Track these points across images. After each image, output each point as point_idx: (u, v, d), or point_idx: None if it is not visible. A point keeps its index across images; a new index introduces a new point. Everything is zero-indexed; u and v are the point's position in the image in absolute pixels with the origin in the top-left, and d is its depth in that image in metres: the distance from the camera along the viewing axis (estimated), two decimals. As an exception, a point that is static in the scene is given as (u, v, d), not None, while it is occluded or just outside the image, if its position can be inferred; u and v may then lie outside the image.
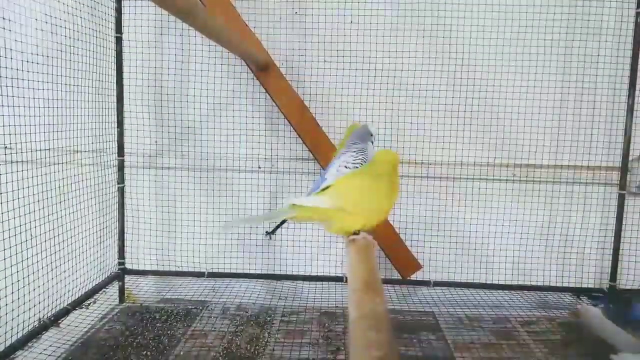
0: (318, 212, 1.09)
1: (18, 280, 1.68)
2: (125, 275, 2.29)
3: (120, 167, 2.23)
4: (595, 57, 2.23)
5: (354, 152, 1.36)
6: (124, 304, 2.23)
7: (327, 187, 1.15)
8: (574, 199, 2.32)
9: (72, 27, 1.91)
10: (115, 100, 2.19)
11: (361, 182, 1.11)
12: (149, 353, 1.76)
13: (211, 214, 2.36)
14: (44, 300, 1.79)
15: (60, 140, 1.91)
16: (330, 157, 1.58)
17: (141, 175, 2.35)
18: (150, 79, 2.30)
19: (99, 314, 2.06)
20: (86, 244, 2.10)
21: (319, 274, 2.36)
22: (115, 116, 2.20)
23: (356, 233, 1.13)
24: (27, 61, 1.71)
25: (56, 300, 1.85)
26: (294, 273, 2.37)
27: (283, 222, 1.25)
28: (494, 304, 2.27)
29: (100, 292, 2.10)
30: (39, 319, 1.72)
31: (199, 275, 2.32)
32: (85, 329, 1.92)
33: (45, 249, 1.84)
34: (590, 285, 2.32)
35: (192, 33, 2.23)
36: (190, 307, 2.18)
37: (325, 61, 2.26)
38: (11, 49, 1.61)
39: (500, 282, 2.34)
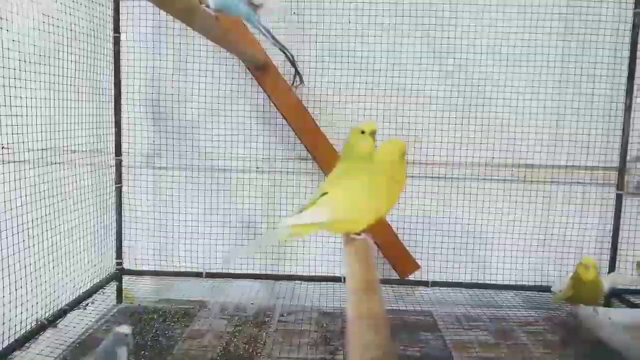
0: (316, 226, 1.07)
1: (15, 281, 1.68)
2: (123, 276, 2.28)
3: (118, 167, 2.23)
4: (592, 57, 2.23)
5: None
6: (122, 304, 2.23)
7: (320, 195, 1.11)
8: (572, 199, 2.32)
9: (69, 27, 1.90)
10: (112, 100, 2.18)
11: (358, 190, 1.08)
12: (147, 353, 1.76)
13: (209, 214, 2.36)
14: (41, 300, 1.79)
15: (57, 140, 1.90)
16: (329, 158, 1.58)
17: (139, 175, 2.34)
18: (148, 79, 2.29)
19: (97, 314, 2.05)
20: (84, 244, 2.10)
21: (317, 274, 2.35)
22: (113, 116, 2.20)
23: (357, 233, 1.11)
24: (24, 61, 1.70)
25: (54, 300, 1.84)
26: (292, 273, 2.36)
27: None
28: (492, 304, 2.28)
29: (98, 292, 2.09)
30: (37, 319, 1.72)
31: (197, 275, 2.32)
32: (83, 330, 1.91)
33: (43, 249, 1.83)
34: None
35: (190, 33, 2.23)
36: (188, 307, 2.17)
37: (323, 61, 2.26)
38: (8, 49, 1.61)
39: (498, 282, 2.34)
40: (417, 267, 2.31)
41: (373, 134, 1.22)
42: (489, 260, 2.37)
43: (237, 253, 1.15)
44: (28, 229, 1.75)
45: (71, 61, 1.94)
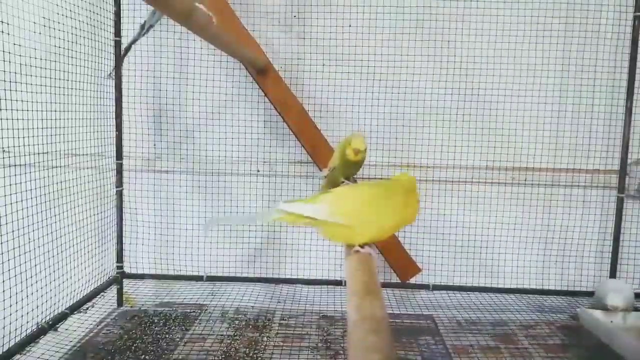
0: (310, 221, 1.01)
1: (16, 284, 1.68)
2: (124, 279, 2.28)
3: (119, 171, 2.23)
4: (593, 61, 2.24)
5: None
6: (122, 307, 2.22)
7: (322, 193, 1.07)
8: (573, 202, 2.32)
9: (71, 30, 1.91)
10: (114, 104, 2.19)
11: (361, 196, 1.04)
12: (147, 357, 1.75)
13: (209, 218, 2.36)
14: (42, 304, 1.79)
15: (58, 143, 1.91)
16: (329, 160, 1.59)
17: (140, 179, 2.35)
18: (149, 83, 2.30)
19: (97, 318, 2.05)
20: (84, 247, 2.10)
21: (318, 278, 2.35)
22: (114, 119, 2.20)
23: (361, 246, 1.03)
24: (26, 64, 1.71)
25: (54, 304, 1.84)
26: (293, 276, 2.36)
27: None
28: (493, 307, 2.27)
29: (99, 296, 2.09)
30: (37, 323, 1.71)
31: (198, 278, 2.32)
32: (84, 333, 1.91)
33: (44, 253, 1.83)
34: (589, 289, 2.31)
35: (191, 37, 2.23)
36: (188, 310, 2.17)
37: (324, 65, 2.27)
38: (10, 52, 1.61)
39: (499, 286, 2.34)
40: (418, 270, 2.30)
41: (357, 151, 1.31)
42: (490, 264, 2.36)
43: (219, 221, 1.11)
44: (29, 232, 1.75)
45: (73, 65, 1.94)
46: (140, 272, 2.34)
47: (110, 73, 2.08)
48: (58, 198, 1.92)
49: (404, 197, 1.05)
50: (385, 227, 1.03)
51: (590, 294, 2.29)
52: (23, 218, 1.72)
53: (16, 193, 1.68)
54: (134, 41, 1.70)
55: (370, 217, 1.00)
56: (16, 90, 1.67)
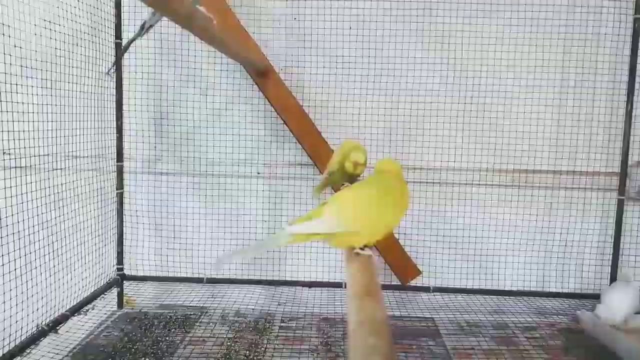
0: (318, 235, 1.01)
1: (16, 286, 1.67)
2: (124, 281, 2.28)
3: (119, 173, 2.23)
4: (593, 63, 2.24)
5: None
6: (123, 309, 2.22)
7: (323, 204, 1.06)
8: (573, 205, 2.32)
9: (71, 32, 1.91)
10: (114, 106, 2.19)
11: (365, 199, 1.04)
12: (147, 359, 1.75)
13: (210, 220, 2.36)
14: (42, 306, 1.78)
15: (59, 145, 1.91)
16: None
17: (140, 181, 2.35)
18: (149, 85, 2.30)
19: (98, 320, 2.05)
20: (85, 249, 2.09)
21: (318, 280, 2.35)
22: (115, 122, 2.20)
23: (361, 248, 1.04)
24: (26, 67, 1.71)
25: (55, 306, 1.84)
26: (293, 279, 2.36)
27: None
28: (494, 309, 2.27)
29: (99, 298, 2.09)
30: (38, 325, 1.71)
31: (198, 281, 2.32)
32: (84, 335, 1.91)
33: (44, 255, 1.83)
34: (589, 291, 2.31)
35: (191, 39, 2.24)
36: (189, 313, 2.17)
37: (324, 67, 2.27)
38: (10, 55, 1.61)
39: (500, 288, 2.33)
40: (418, 272, 2.30)
41: (357, 164, 1.31)
42: (491, 266, 2.36)
43: (231, 257, 1.09)
44: (29, 234, 1.75)
45: (73, 67, 1.94)
46: (140, 274, 2.34)
47: (109, 70, 2.08)
48: (59, 200, 1.92)
49: (400, 187, 1.07)
50: (391, 225, 1.06)
51: (591, 296, 2.29)
52: (24, 220, 1.72)
53: (17, 195, 1.68)
54: (132, 40, 1.70)
55: (377, 218, 1.01)
56: (17, 93, 1.67)
